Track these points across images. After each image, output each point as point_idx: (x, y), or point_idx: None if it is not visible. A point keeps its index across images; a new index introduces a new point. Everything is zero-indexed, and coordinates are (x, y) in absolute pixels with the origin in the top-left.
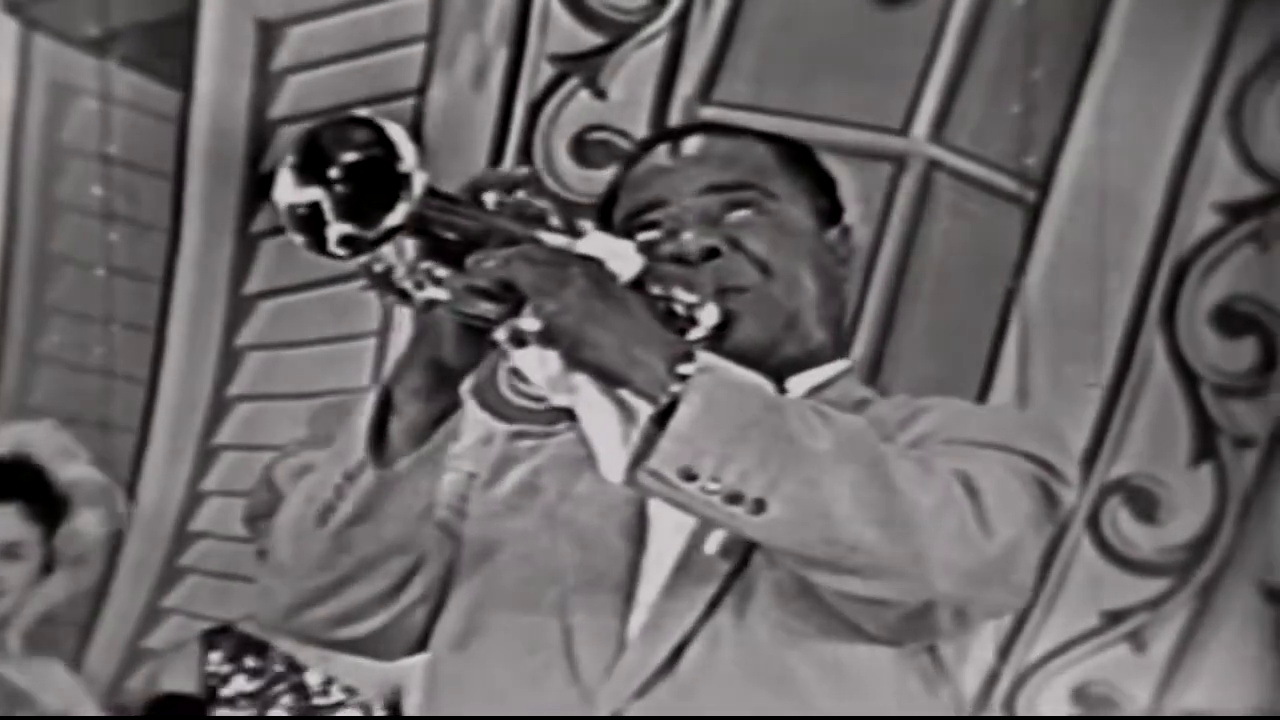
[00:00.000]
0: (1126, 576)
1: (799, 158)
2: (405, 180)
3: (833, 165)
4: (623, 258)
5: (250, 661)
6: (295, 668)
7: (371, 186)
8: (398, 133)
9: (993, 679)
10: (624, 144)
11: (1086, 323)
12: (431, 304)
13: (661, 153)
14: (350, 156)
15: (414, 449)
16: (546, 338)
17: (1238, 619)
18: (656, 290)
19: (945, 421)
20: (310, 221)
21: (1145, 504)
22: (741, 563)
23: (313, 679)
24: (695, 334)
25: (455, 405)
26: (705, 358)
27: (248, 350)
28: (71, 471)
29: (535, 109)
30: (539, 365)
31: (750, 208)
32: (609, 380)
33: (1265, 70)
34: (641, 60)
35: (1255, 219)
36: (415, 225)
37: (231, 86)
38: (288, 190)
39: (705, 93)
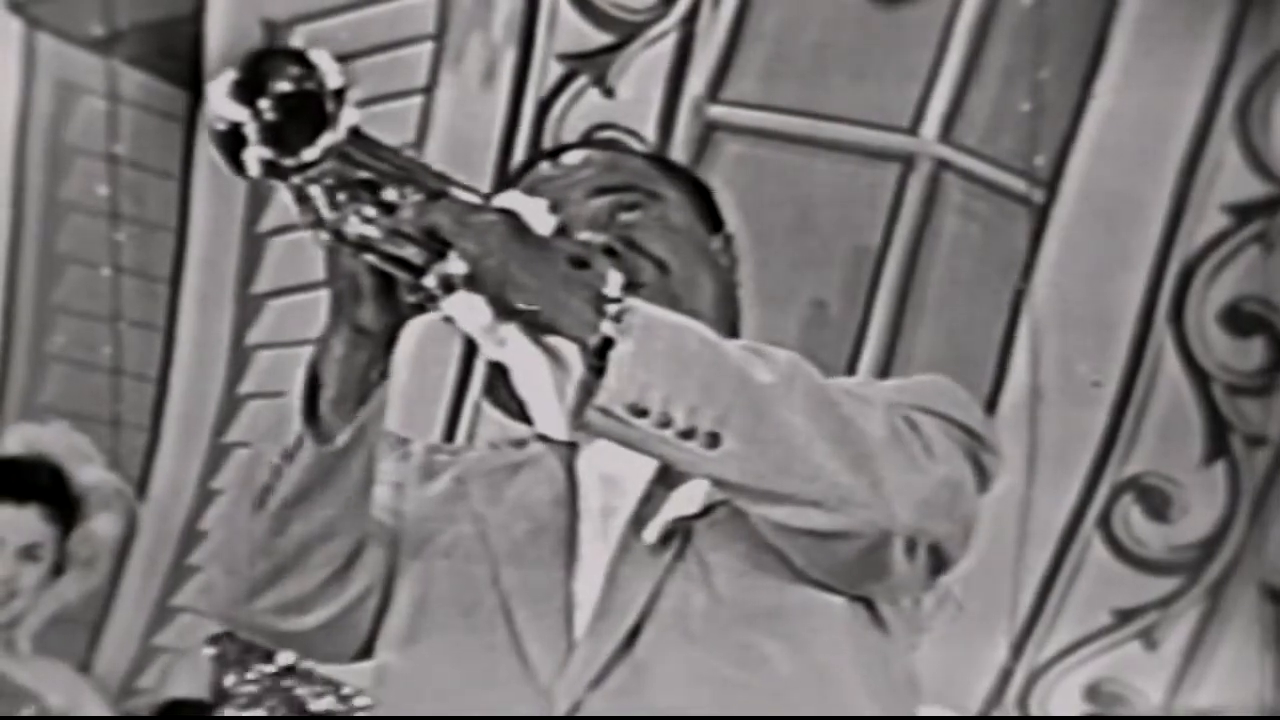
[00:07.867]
0: (1138, 575)
1: (675, 167)
2: (334, 117)
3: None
4: (536, 215)
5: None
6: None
7: (304, 120)
8: (327, 63)
9: (1006, 677)
10: (633, 143)
11: (1096, 322)
12: (364, 244)
13: (542, 166)
14: (286, 86)
15: (346, 422)
16: (473, 282)
17: (1249, 617)
18: None
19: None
20: (228, 138)
21: (1157, 502)
22: (683, 546)
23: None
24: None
25: (380, 377)
26: (631, 300)
27: (258, 349)
28: (88, 474)
29: (544, 108)
30: (469, 312)
31: (639, 209)
32: (537, 327)
33: (1273, 71)
34: (650, 59)
35: (1262, 220)
36: (337, 162)
37: None
38: (219, 100)
39: (714, 91)
